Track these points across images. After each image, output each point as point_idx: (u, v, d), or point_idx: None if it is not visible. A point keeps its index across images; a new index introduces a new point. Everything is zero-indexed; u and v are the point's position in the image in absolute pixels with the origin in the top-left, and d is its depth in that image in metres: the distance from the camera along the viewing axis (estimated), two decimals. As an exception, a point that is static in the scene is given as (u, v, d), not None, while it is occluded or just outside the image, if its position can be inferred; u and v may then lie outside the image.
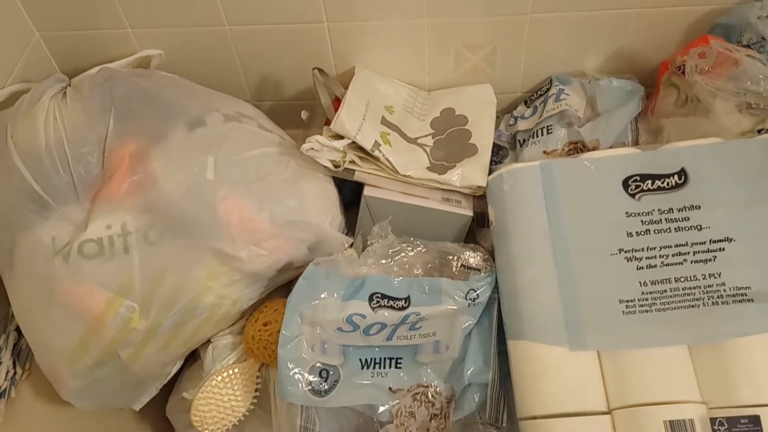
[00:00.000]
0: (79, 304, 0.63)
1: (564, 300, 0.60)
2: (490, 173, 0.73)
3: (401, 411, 0.66)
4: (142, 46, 0.81)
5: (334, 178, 0.76)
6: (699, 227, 0.60)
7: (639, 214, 0.62)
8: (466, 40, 0.81)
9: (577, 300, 0.60)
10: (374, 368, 0.67)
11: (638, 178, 0.63)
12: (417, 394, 0.66)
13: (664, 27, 0.79)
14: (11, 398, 0.69)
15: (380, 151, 0.72)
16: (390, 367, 0.67)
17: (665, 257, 0.60)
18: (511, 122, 0.86)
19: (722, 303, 0.57)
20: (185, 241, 0.64)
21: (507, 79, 0.86)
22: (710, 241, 0.60)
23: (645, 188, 0.63)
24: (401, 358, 0.68)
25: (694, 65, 0.71)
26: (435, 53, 0.83)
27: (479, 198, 0.76)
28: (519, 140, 0.84)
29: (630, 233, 0.62)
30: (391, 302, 0.66)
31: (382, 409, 0.66)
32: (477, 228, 0.79)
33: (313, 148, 0.70)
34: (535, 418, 0.59)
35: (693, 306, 0.58)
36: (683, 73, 0.74)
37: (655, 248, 0.61)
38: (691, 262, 0.59)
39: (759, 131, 0.67)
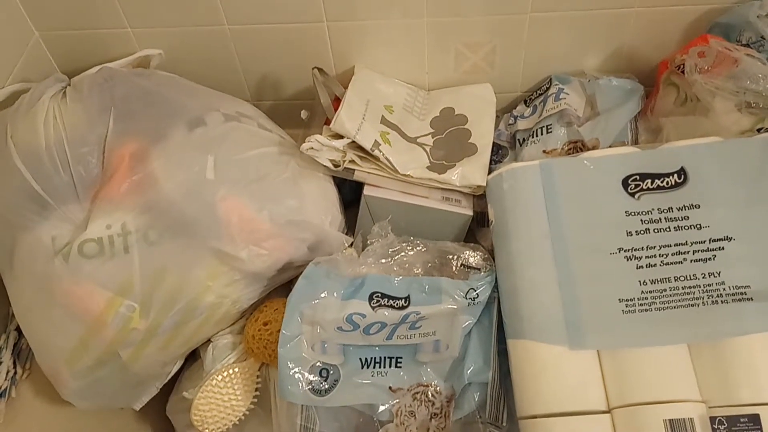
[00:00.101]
0: (79, 304, 0.63)
1: (564, 299, 0.61)
2: (489, 172, 0.73)
3: (401, 410, 0.66)
4: (141, 45, 0.81)
5: (334, 178, 0.76)
6: (698, 226, 0.60)
7: (638, 214, 0.62)
8: (466, 40, 0.81)
9: (576, 299, 0.60)
10: (374, 367, 0.67)
11: (638, 177, 0.63)
12: (417, 393, 0.66)
13: (664, 26, 0.79)
14: (11, 398, 0.69)
15: (380, 151, 0.72)
16: (390, 366, 0.67)
17: (665, 256, 0.60)
18: (510, 121, 0.86)
19: (722, 302, 0.57)
20: (185, 241, 0.64)
21: (506, 79, 0.86)
22: (710, 240, 0.60)
23: (644, 187, 0.63)
24: (401, 358, 0.68)
25: (693, 64, 0.71)
26: (435, 52, 0.83)
27: (479, 197, 0.76)
28: (519, 139, 0.84)
29: (629, 232, 0.62)
30: (391, 301, 0.66)
31: (382, 408, 0.66)
32: (477, 227, 0.79)
33: (312, 148, 0.70)
34: (535, 417, 0.59)
35: (692, 305, 0.58)
36: (683, 72, 0.74)
37: (654, 247, 0.61)
38: (691, 261, 0.60)
39: (758, 130, 0.67)
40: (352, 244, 0.75)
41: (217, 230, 0.64)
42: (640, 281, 0.60)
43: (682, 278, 0.59)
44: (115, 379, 0.67)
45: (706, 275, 0.59)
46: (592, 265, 0.61)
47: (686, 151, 0.63)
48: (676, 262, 0.60)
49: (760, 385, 0.54)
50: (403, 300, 0.67)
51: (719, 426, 0.54)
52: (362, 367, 0.67)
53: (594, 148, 0.76)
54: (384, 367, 0.67)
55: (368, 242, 0.72)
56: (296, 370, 0.65)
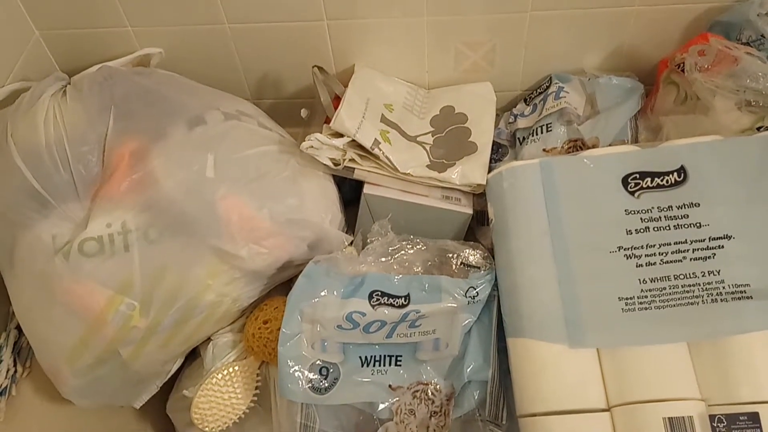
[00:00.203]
0: (79, 303, 0.63)
1: (563, 298, 0.61)
2: (489, 171, 0.73)
3: (401, 408, 0.66)
4: (141, 44, 0.81)
5: (334, 176, 0.76)
6: (698, 225, 0.60)
7: (638, 212, 0.62)
8: (466, 38, 0.81)
9: (576, 298, 0.60)
10: (374, 366, 0.67)
11: (638, 175, 0.63)
12: (417, 391, 0.66)
13: (664, 25, 0.79)
14: (12, 396, 0.69)
15: (380, 149, 0.72)
16: (390, 364, 0.67)
17: (664, 255, 0.60)
18: (510, 120, 0.86)
19: (721, 300, 0.57)
20: (185, 240, 0.64)
21: (506, 77, 0.86)
22: (709, 238, 0.60)
23: (644, 186, 0.63)
24: (401, 356, 0.68)
25: (693, 63, 0.71)
26: (435, 51, 0.83)
27: (479, 196, 0.76)
28: (519, 138, 0.84)
29: (629, 231, 0.62)
30: (391, 300, 0.67)
31: (382, 406, 0.66)
32: (477, 226, 0.79)
33: (312, 147, 0.70)
34: (534, 415, 0.59)
35: (692, 303, 0.58)
36: (683, 70, 0.74)
37: (654, 246, 0.61)
38: (691, 259, 0.60)
39: (758, 129, 0.67)
40: (352, 243, 0.75)
41: (217, 229, 0.64)
42: (639, 280, 0.60)
43: (681, 277, 0.59)
44: (115, 378, 0.67)
45: (706, 274, 0.59)
46: (592, 263, 0.61)
47: (686, 149, 0.63)
48: (675, 261, 0.60)
49: (759, 384, 0.55)
50: (403, 298, 0.67)
51: (719, 424, 0.54)
52: (362, 366, 0.67)
53: (594, 146, 0.76)
54: (384, 365, 0.67)
55: (368, 241, 0.72)
56: (296, 368, 0.65)
